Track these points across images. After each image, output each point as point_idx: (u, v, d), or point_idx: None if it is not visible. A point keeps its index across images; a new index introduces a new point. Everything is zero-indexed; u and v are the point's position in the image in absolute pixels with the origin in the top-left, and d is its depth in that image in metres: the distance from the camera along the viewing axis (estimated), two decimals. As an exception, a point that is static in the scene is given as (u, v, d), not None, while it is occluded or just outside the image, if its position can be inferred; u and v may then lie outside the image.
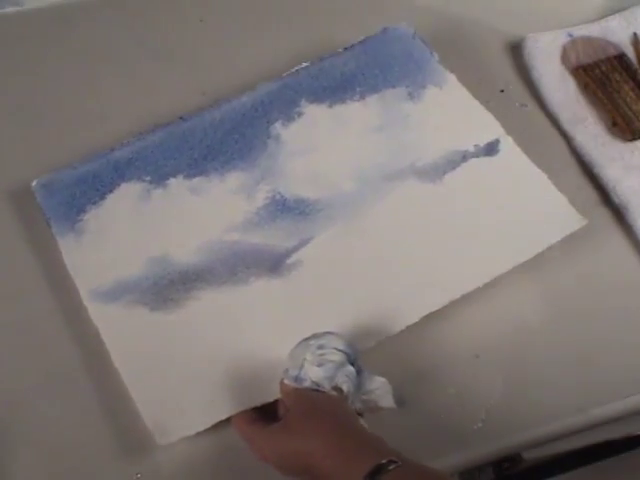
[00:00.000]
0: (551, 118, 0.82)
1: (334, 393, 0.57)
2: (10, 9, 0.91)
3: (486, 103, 0.82)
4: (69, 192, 0.72)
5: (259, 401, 0.61)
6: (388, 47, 0.81)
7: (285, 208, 0.71)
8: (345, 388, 0.57)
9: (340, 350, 0.59)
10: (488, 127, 0.75)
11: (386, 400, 0.60)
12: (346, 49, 0.81)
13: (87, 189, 0.72)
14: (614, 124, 0.80)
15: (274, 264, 0.68)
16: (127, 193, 0.72)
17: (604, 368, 0.66)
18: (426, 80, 0.79)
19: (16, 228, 0.73)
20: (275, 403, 0.61)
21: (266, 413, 0.60)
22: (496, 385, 0.64)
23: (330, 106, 0.77)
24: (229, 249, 0.69)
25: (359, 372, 0.59)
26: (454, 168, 0.73)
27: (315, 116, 0.77)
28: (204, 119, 0.77)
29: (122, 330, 0.65)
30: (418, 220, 0.70)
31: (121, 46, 0.88)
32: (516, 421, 0.63)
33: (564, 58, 0.86)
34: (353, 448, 0.52)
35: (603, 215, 0.75)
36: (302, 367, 0.58)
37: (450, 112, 0.77)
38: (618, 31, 0.88)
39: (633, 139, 0.79)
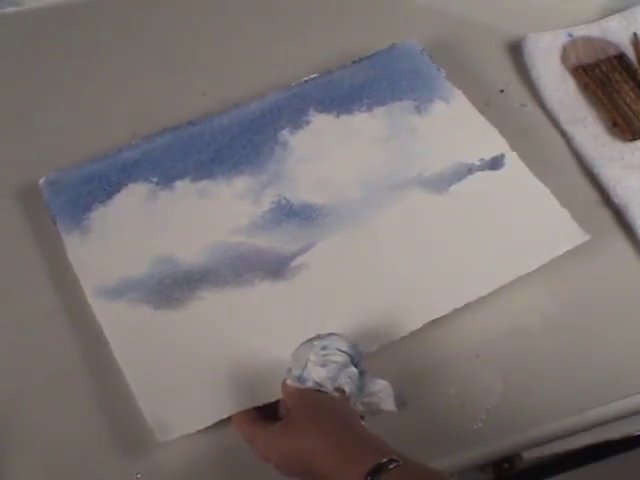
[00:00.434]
0: (551, 118, 0.82)
1: (336, 394, 0.57)
2: (10, 9, 0.91)
3: (486, 103, 0.82)
4: (76, 191, 0.73)
5: (260, 401, 0.61)
6: (396, 62, 0.82)
7: (291, 213, 0.72)
8: (347, 389, 0.57)
9: (343, 351, 0.59)
10: (493, 142, 0.76)
11: (387, 403, 0.60)
12: (354, 62, 0.82)
13: (94, 188, 0.73)
14: (614, 124, 0.80)
15: (279, 266, 0.69)
16: (134, 193, 0.73)
17: (604, 368, 0.66)
18: (433, 95, 0.79)
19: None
20: (275, 403, 0.61)
21: (266, 413, 0.60)
22: (496, 385, 0.64)
23: (337, 116, 0.78)
24: (234, 250, 0.70)
25: (362, 374, 0.59)
26: (460, 180, 0.73)
27: (322, 125, 0.77)
28: (212, 124, 0.77)
29: (125, 327, 0.65)
30: (423, 229, 0.71)
31: (121, 46, 0.88)
32: (516, 421, 0.63)
33: (564, 58, 0.86)
34: (354, 447, 0.52)
35: (603, 215, 0.75)
36: (305, 367, 0.58)
37: (456, 126, 0.77)
38: (618, 31, 0.88)
39: (633, 139, 0.79)
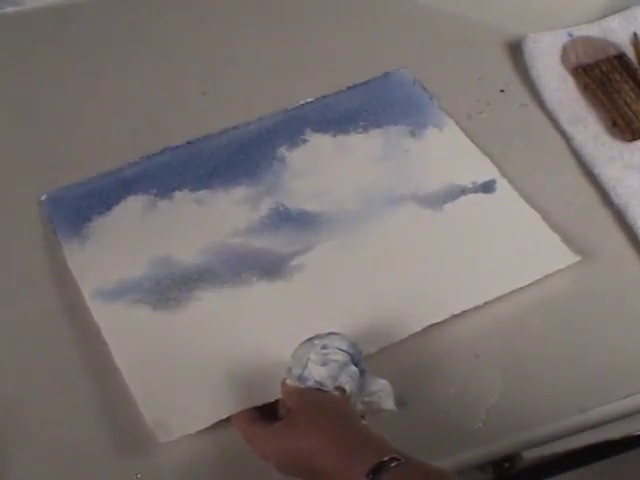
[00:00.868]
0: (551, 118, 0.82)
1: (336, 393, 0.57)
2: (10, 9, 0.91)
3: (486, 103, 0.82)
4: (77, 205, 0.74)
5: (260, 401, 0.61)
6: (389, 89, 0.84)
7: (289, 218, 0.73)
8: (348, 388, 0.57)
9: (344, 350, 0.59)
10: (485, 169, 0.77)
11: (387, 402, 0.60)
12: (349, 88, 0.84)
13: (94, 202, 0.74)
14: (614, 124, 0.80)
15: (276, 266, 0.69)
16: (133, 204, 0.74)
17: (604, 368, 0.66)
18: (427, 121, 0.81)
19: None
20: (275, 403, 0.61)
21: (266, 413, 0.60)
22: (496, 385, 0.64)
23: (334, 136, 0.80)
24: (232, 250, 0.70)
25: (362, 373, 0.59)
26: (453, 200, 0.75)
27: (319, 144, 0.79)
28: (211, 143, 0.79)
29: (124, 328, 0.66)
30: (418, 238, 0.72)
31: (121, 46, 0.88)
32: (516, 421, 0.63)
33: (564, 58, 0.86)
34: (355, 446, 0.52)
35: (603, 215, 0.75)
36: (306, 366, 0.58)
37: (449, 152, 0.79)
38: (618, 31, 0.88)
39: (633, 139, 0.79)
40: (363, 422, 0.57)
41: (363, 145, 0.79)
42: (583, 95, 0.83)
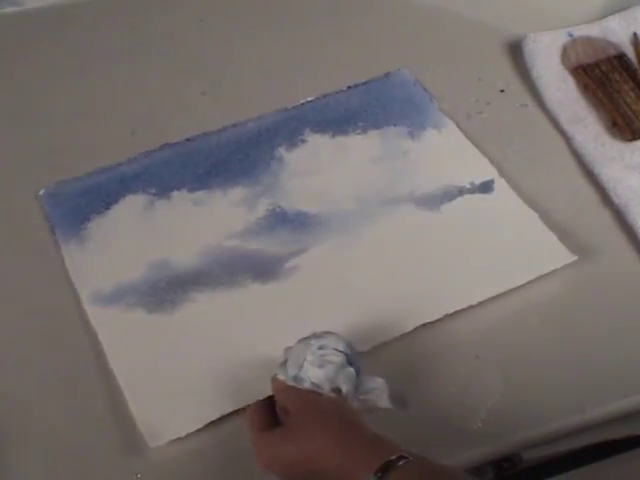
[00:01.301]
0: (551, 118, 0.82)
1: (332, 394, 0.57)
2: (10, 9, 0.91)
3: (486, 103, 0.82)
4: (75, 202, 0.74)
5: (252, 401, 0.61)
6: (390, 90, 0.84)
7: (285, 219, 0.73)
8: (344, 389, 0.57)
9: (340, 351, 0.59)
10: (483, 169, 0.77)
11: (383, 400, 0.60)
12: (350, 88, 0.84)
13: (93, 200, 0.74)
14: (614, 124, 0.80)
15: (271, 268, 0.70)
16: (132, 204, 0.74)
17: (604, 368, 0.66)
18: (426, 123, 0.81)
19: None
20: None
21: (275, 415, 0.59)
22: (496, 385, 0.64)
23: (333, 136, 0.80)
24: (228, 253, 0.71)
25: (357, 372, 0.59)
26: (450, 200, 0.75)
27: (318, 144, 0.79)
28: (210, 140, 0.79)
29: (120, 332, 0.66)
30: (414, 240, 0.72)
31: (121, 46, 0.88)
32: (516, 421, 0.62)
33: (564, 58, 0.86)
34: (360, 446, 0.52)
35: (603, 215, 0.75)
36: (302, 367, 0.58)
37: (448, 153, 0.79)
38: (618, 31, 0.88)
39: (633, 139, 0.79)
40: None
41: (362, 146, 0.79)
42: (583, 95, 0.83)
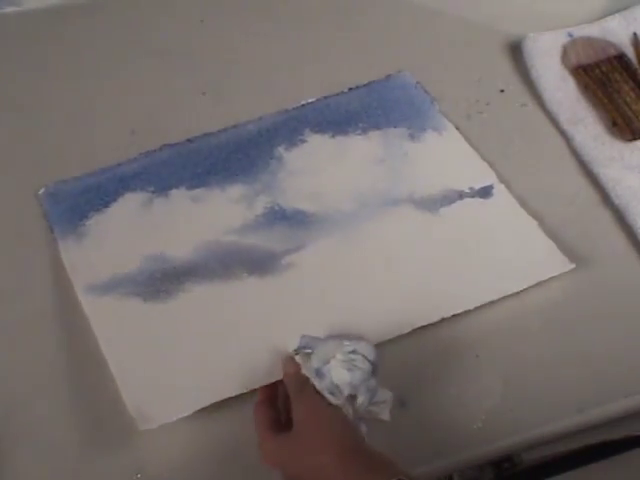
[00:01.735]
0: (551, 118, 0.82)
1: (342, 402, 0.57)
2: (9, 9, 0.91)
3: (486, 103, 0.82)
4: (74, 201, 0.74)
5: (243, 390, 0.62)
6: (391, 92, 0.84)
7: (284, 217, 0.73)
8: (361, 400, 0.57)
9: (369, 360, 0.59)
10: (483, 174, 0.77)
11: (385, 413, 0.60)
12: (351, 89, 0.84)
13: (91, 198, 0.75)
14: (614, 124, 0.80)
15: (268, 263, 0.70)
16: (130, 202, 0.75)
17: (604, 368, 0.66)
18: (426, 125, 0.81)
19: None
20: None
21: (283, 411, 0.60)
22: (496, 385, 0.64)
23: (333, 137, 0.80)
24: (226, 248, 0.71)
25: (376, 385, 0.59)
26: (450, 204, 0.74)
27: (318, 144, 0.79)
28: (210, 141, 0.79)
29: (113, 320, 0.66)
30: (412, 241, 0.72)
31: (121, 46, 0.88)
32: (516, 421, 0.63)
33: (564, 58, 0.86)
34: (366, 464, 0.52)
35: (603, 215, 0.75)
36: (327, 363, 0.58)
37: (448, 156, 0.79)
38: (618, 31, 0.88)
39: (633, 139, 0.79)
40: (363, 427, 0.58)
41: (362, 147, 0.79)
42: (583, 95, 0.83)
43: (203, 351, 0.65)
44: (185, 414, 0.61)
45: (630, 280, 0.71)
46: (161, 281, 0.69)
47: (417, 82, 0.84)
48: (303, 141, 0.79)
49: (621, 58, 0.85)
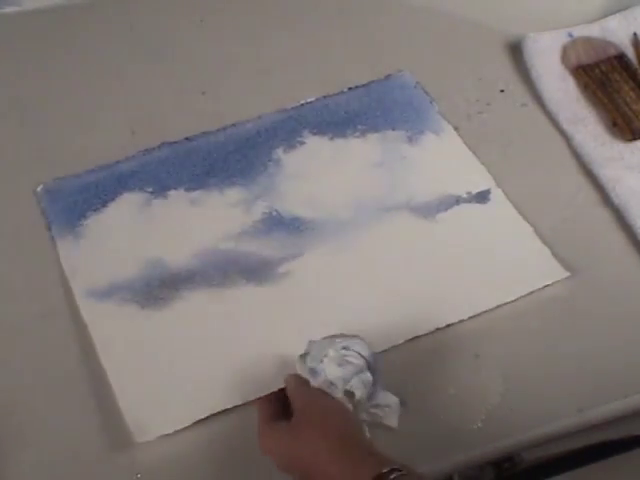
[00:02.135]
0: (551, 118, 0.82)
1: (341, 397, 0.57)
2: (10, 9, 0.91)
3: (486, 103, 0.82)
4: (72, 199, 0.74)
5: (239, 401, 0.62)
6: (390, 92, 0.84)
7: (281, 224, 0.73)
8: (358, 394, 0.57)
9: (363, 356, 0.59)
10: (480, 177, 0.77)
11: (391, 419, 0.60)
12: (350, 89, 0.84)
13: (90, 197, 0.75)
14: (614, 124, 0.80)
15: (265, 271, 0.70)
16: (128, 202, 0.74)
17: (604, 368, 0.66)
18: (425, 127, 0.81)
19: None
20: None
21: (286, 405, 0.59)
22: (496, 385, 0.64)
23: (331, 139, 0.79)
24: (222, 255, 0.71)
25: (375, 382, 0.59)
26: (446, 209, 0.74)
27: (316, 146, 0.79)
28: (209, 140, 0.79)
29: (111, 327, 0.66)
30: (408, 250, 0.72)
31: (121, 46, 0.88)
32: (516, 421, 0.62)
33: (564, 58, 0.86)
34: (359, 455, 0.52)
35: (603, 215, 0.75)
36: (321, 361, 0.58)
37: (446, 159, 0.79)
38: (618, 31, 0.88)
39: (633, 139, 0.79)
40: (366, 430, 0.57)
41: (360, 150, 0.78)
42: (583, 95, 0.83)
43: (200, 360, 0.64)
44: (183, 426, 0.61)
45: (630, 280, 0.71)
46: (159, 288, 0.69)
47: (417, 82, 0.84)
48: (302, 143, 0.79)
49: (621, 58, 0.85)
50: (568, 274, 0.70)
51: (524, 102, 0.83)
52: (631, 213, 0.74)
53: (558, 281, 0.69)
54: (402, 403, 0.61)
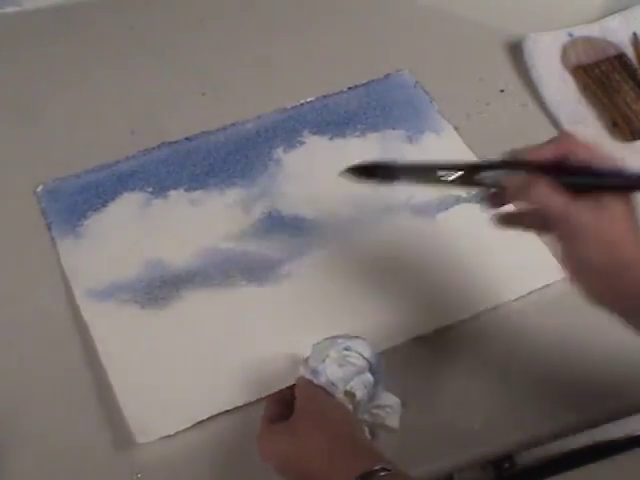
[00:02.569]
0: (551, 118, 0.82)
1: (341, 397, 0.57)
2: (10, 9, 0.91)
3: (486, 103, 0.82)
4: (72, 199, 0.74)
5: (241, 402, 0.62)
6: (390, 92, 0.84)
7: (282, 224, 0.73)
8: (358, 395, 0.57)
9: (365, 357, 0.59)
10: None
11: (393, 420, 0.60)
12: (350, 89, 0.84)
13: (90, 197, 0.75)
14: (614, 124, 0.80)
15: (266, 272, 0.70)
16: (128, 202, 0.74)
17: (604, 368, 0.66)
18: (424, 126, 0.81)
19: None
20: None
21: (288, 405, 0.59)
22: (496, 385, 0.64)
23: (331, 139, 0.80)
24: (224, 256, 0.71)
25: (376, 384, 0.59)
26: (447, 209, 0.74)
27: (316, 146, 0.79)
28: (209, 140, 0.79)
29: (111, 328, 0.66)
30: (408, 250, 0.72)
31: (121, 47, 0.88)
32: (516, 421, 0.63)
33: (564, 58, 0.86)
34: (350, 453, 0.52)
35: (603, 215, 0.75)
36: (322, 362, 0.58)
37: (445, 158, 0.78)
38: (618, 31, 0.88)
39: (633, 139, 0.79)
40: (366, 432, 0.57)
41: (360, 149, 0.78)
42: (583, 95, 0.83)
43: (201, 361, 0.64)
44: (184, 427, 0.61)
45: (630, 280, 0.71)
46: (159, 288, 0.69)
47: (416, 82, 0.84)
48: (302, 143, 0.79)
49: (621, 58, 0.85)
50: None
51: (524, 102, 0.83)
52: (631, 213, 0.74)
53: (558, 281, 0.69)
54: (402, 403, 0.61)
